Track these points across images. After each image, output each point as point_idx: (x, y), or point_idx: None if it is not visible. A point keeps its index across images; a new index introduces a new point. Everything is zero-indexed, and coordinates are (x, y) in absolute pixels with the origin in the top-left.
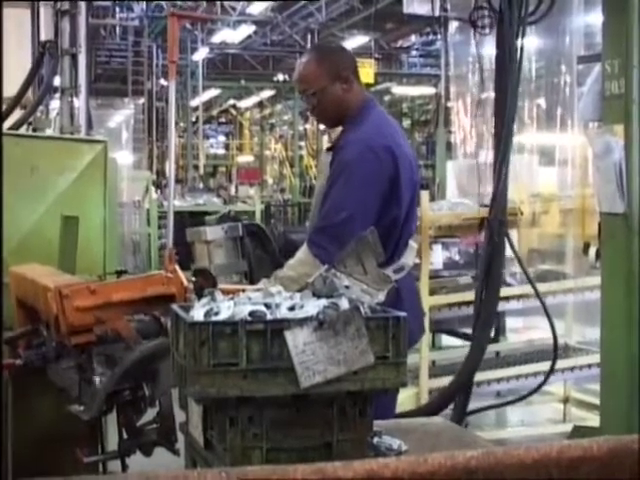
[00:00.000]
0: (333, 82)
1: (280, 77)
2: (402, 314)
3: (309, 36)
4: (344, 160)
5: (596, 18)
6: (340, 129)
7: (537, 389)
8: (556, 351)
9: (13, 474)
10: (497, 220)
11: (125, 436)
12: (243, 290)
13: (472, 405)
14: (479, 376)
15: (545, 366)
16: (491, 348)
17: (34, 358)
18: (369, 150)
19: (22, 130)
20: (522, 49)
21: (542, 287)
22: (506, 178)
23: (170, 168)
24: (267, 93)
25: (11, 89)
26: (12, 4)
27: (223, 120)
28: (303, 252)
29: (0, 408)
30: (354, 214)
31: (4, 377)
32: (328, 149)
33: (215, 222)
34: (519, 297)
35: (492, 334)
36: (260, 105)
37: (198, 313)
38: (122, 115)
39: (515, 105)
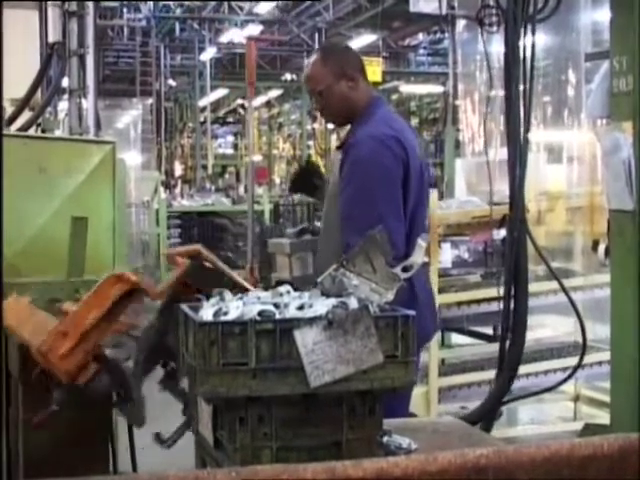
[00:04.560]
0: (338, 80)
1: (288, 76)
2: (411, 313)
3: (316, 35)
4: (359, 159)
5: (604, 15)
6: (348, 127)
7: (564, 381)
8: (585, 346)
9: (24, 474)
10: (518, 218)
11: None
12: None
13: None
14: (489, 374)
15: (555, 364)
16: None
17: (63, 398)
18: (381, 144)
19: (31, 131)
20: (533, 47)
21: (551, 285)
22: (523, 176)
23: (250, 171)
24: (275, 92)
25: (19, 91)
26: (20, 5)
27: (231, 120)
28: None
29: (8, 409)
30: (385, 211)
31: (13, 380)
32: (338, 147)
33: (294, 235)
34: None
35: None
36: (268, 104)
37: (207, 313)
38: (130, 116)
39: (517, 102)
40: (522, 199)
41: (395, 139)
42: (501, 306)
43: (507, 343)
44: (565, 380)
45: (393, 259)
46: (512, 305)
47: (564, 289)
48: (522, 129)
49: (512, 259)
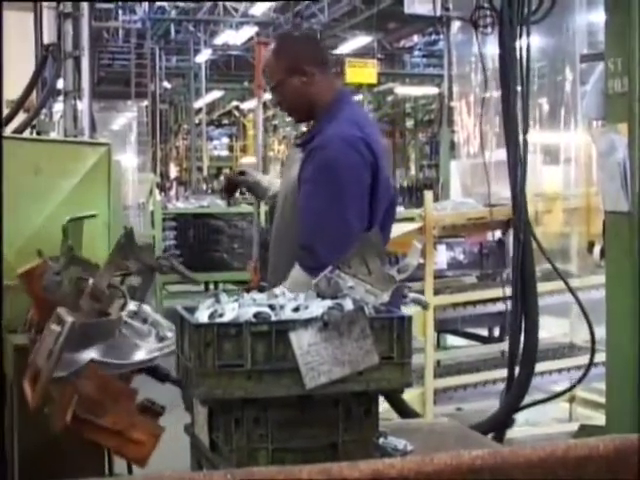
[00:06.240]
0: (291, 75)
1: None
2: (407, 314)
3: None
4: (328, 162)
5: (599, 16)
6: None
7: (579, 382)
8: (593, 345)
9: (19, 475)
10: (521, 220)
11: None
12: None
13: (478, 404)
14: (485, 375)
15: (551, 365)
16: (496, 347)
17: None
18: (350, 147)
19: (26, 133)
20: (529, 48)
21: (547, 286)
22: (524, 178)
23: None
24: (270, 95)
25: (14, 92)
26: (14, 6)
27: (226, 122)
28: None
29: (3, 414)
30: (353, 221)
31: (8, 382)
32: (298, 145)
33: None
34: None
35: (497, 334)
36: (263, 106)
37: (202, 315)
38: (125, 118)
39: (515, 103)
40: (524, 201)
41: (364, 142)
42: (498, 308)
43: (506, 345)
44: (579, 382)
45: None
46: (508, 307)
47: (571, 290)
48: (520, 130)
49: (519, 261)
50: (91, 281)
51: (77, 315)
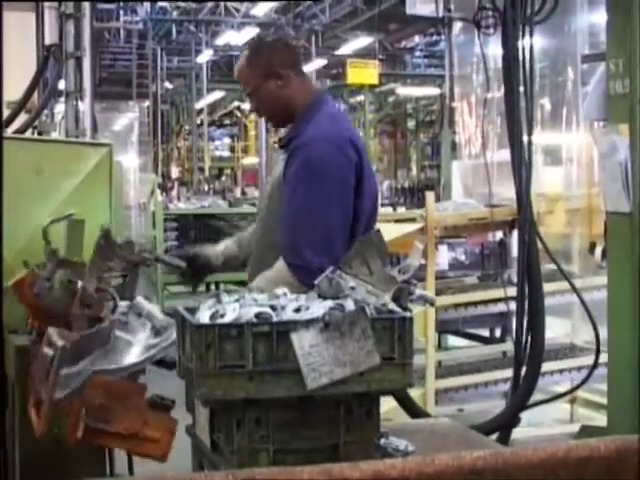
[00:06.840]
0: (266, 80)
1: None
2: (408, 315)
3: (313, 38)
4: (310, 161)
5: (600, 17)
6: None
7: (583, 383)
8: (598, 346)
9: (20, 477)
10: (527, 220)
11: None
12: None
13: (480, 405)
14: (486, 376)
15: (553, 366)
16: (497, 348)
17: None
18: (334, 146)
19: (27, 134)
20: (532, 49)
21: (549, 287)
22: (529, 178)
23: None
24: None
25: (16, 93)
26: (16, 6)
27: (227, 122)
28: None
29: (4, 416)
30: (334, 221)
31: (9, 383)
32: (281, 146)
33: None
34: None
35: (499, 334)
36: None
37: (204, 315)
38: (127, 118)
39: (519, 104)
40: (529, 201)
41: (348, 141)
42: (500, 308)
43: (507, 346)
44: (583, 382)
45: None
46: (510, 308)
47: (576, 290)
48: (525, 131)
49: (524, 261)
50: (80, 284)
51: (68, 334)
